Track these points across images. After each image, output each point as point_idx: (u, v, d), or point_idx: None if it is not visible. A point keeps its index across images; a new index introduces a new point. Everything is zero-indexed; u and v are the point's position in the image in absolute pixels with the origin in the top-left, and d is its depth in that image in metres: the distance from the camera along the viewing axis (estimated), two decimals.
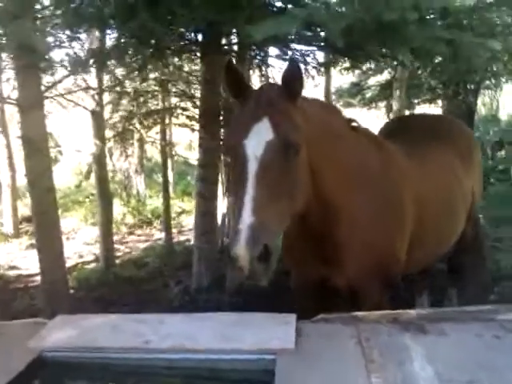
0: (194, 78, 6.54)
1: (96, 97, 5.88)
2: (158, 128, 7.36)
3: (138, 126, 6.46)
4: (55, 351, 2.33)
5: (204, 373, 2.29)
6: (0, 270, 7.12)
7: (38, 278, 4.97)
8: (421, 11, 2.35)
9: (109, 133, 6.60)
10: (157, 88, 6.47)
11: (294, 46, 5.23)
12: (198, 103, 6.35)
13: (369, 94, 13.63)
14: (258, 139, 2.04)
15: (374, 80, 13.75)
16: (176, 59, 5.88)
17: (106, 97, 6.66)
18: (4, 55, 4.85)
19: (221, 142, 4.98)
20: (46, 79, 5.16)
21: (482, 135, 13.09)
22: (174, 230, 8.55)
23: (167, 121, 6.95)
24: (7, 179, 9.30)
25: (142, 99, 6.42)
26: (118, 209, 9.55)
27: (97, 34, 5.35)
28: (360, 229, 2.58)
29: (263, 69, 6.05)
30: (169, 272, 6.47)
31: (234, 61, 5.28)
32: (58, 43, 4.53)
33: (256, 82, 6.78)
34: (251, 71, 6.05)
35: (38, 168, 4.10)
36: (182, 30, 4.48)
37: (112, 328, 2.51)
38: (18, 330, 2.59)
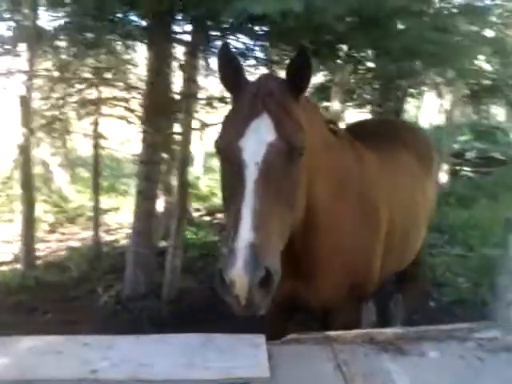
0: (134, 67, 6.10)
1: (26, 82, 5.28)
2: (87, 119, 6.83)
3: (70, 115, 5.89)
4: None
5: None
6: None
7: None
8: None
9: (37, 122, 5.98)
10: (94, 76, 5.92)
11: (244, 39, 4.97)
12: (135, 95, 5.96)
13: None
14: (258, 140, 1.74)
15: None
16: (119, 46, 5.42)
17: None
18: None
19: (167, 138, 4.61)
20: None
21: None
22: (101, 230, 7.98)
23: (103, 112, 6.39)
24: None
25: (77, 87, 5.85)
26: (39, 205, 8.81)
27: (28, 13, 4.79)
28: (340, 242, 2.38)
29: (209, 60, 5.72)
30: (97, 276, 5.97)
31: (186, 51, 4.95)
32: None
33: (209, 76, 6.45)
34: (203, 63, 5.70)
35: None
36: (128, 14, 4.08)
37: (53, 353, 2.13)
38: None
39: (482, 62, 12.25)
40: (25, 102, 5.41)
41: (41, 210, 8.90)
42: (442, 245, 6.30)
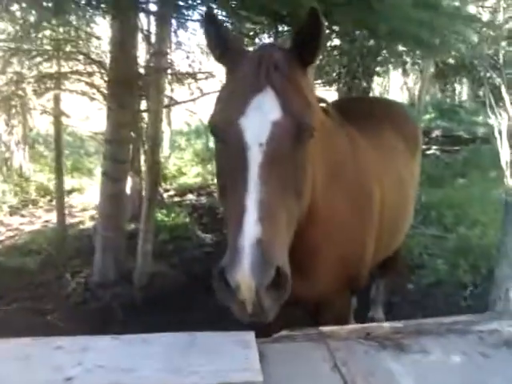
0: (98, 39, 5.72)
1: None
2: (47, 95, 6.41)
3: (28, 91, 5.47)
4: None
5: None
6: None
7: None
8: None
9: None
10: (52, 48, 5.50)
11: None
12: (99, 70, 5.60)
13: None
14: (262, 118, 1.49)
15: None
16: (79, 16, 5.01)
17: None
18: None
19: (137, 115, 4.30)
20: None
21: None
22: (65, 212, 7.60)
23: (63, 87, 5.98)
24: None
25: (35, 60, 5.43)
26: None
27: None
28: (335, 232, 2.18)
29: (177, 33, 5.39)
30: (62, 261, 5.66)
31: (151, 23, 4.61)
32: None
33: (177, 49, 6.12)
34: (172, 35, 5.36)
35: None
36: None
37: (19, 359, 1.89)
38: None
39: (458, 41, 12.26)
40: None
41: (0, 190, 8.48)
42: (417, 225, 6.24)
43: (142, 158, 6.37)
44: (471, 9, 9.57)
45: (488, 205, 6.52)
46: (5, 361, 1.87)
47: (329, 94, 15.55)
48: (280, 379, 1.88)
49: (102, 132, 5.12)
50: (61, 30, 5.59)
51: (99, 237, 4.82)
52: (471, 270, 4.85)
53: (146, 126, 5.58)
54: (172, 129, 12.68)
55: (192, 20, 4.71)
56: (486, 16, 11.14)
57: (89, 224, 7.13)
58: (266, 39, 7.46)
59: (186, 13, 4.44)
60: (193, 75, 5.39)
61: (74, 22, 5.39)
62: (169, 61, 5.39)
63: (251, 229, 1.32)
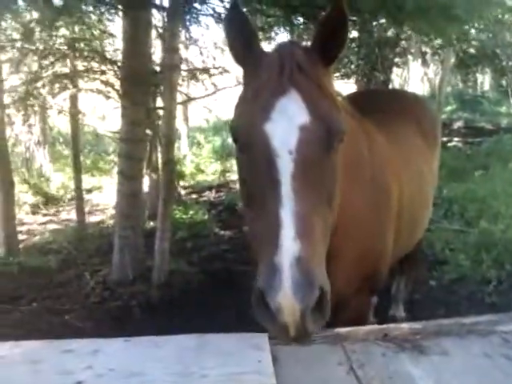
0: (112, 37, 5.71)
1: None
2: (64, 94, 6.44)
3: (42, 90, 5.50)
4: None
5: None
6: None
7: None
8: None
9: (8, 98, 5.58)
10: (66, 48, 5.51)
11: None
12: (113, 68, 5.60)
13: None
14: (289, 123, 1.38)
15: None
16: (92, 14, 5.01)
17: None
18: None
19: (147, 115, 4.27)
20: None
21: None
22: (85, 210, 7.65)
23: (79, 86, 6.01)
24: None
25: (49, 60, 5.45)
26: (17, 186, 8.45)
27: None
28: (354, 230, 2.10)
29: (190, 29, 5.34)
30: (82, 260, 5.69)
31: (164, 19, 4.57)
32: None
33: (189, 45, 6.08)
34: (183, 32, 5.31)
35: None
36: None
37: (28, 363, 1.87)
38: None
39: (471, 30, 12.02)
40: None
41: (21, 191, 8.58)
42: (439, 220, 6.10)
43: (160, 156, 6.37)
44: None
45: (511, 198, 6.34)
46: (15, 365, 1.86)
47: (348, 86, 15.41)
48: (293, 382, 1.82)
49: (118, 130, 5.11)
50: (75, 28, 5.62)
51: (117, 236, 4.82)
52: (494, 265, 4.71)
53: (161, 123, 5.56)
54: (190, 126, 12.70)
55: (204, 14, 4.67)
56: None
57: (109, 222, 7.16)
58: (281, 33, 7.39)
59: (197, 7, 4.40)
60: (207, 71, 5.33)
61: (87, 20, 5.40)
62: (182, 57, 5.35)
63: (290, 246, 1.21)
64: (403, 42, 14.34)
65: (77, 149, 6.54)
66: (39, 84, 5.47)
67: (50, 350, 1.98)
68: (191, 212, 6.88)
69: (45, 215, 8.16)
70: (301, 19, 4.99)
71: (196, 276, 4.94)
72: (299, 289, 1.15)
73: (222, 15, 4.62)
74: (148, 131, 5.07)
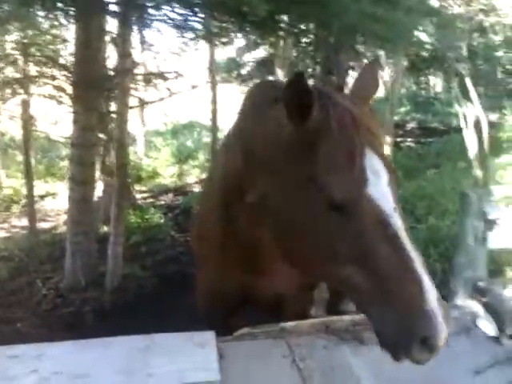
0: (63, 41, 5.62)
1: None
2: (15, 99, 6.30)
3: None
4: None
5: None
6: None
7: None
8: None
9: None
10: (18, 52, 5.41)
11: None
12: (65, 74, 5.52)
13: (246, 71, 13.43)
14: (383, 183, 1.46)
15: (251, 56, 13.58)
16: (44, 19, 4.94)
17: None
18: None
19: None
20: None
21: None
22: (37, 216, 7.49)
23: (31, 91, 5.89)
24: None
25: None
26: None
27: None
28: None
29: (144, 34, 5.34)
30: (34, 267, 5.58)
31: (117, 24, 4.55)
32: None
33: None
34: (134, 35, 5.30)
35: None
36: None
37: None
38: None
39: (421, 34, 12.41)
40: None
41: None
42: None
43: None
44: (435, 2, 9.67)
45: (458, 195, 6.58)
46: None
47: None
48: (238, 377, 1.88)
49: (69, 136, 5.05)
50: (27, 33, 5.52)
51: (69, 242, 4.76)
52: (441, 259, 4.89)
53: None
54: (147, 129, 12.61)
55: (158, 20, 4.66)
56: (457, 9, 11.29)
57: (62, 228, 7.03)
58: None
59: (151, 13, 4.39)
60: (161, 75, 5.34)
61: (40, 25, 5.32)
62: (136, 61, 5.34)
63: (434, 293, 1.34)
64: (359, 46, 14.65)
65: (28, 155, 6.41)
66: None
67: None
68: (147, 216, 6.84)
69: None
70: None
71: (150, 280, 4.93)
72: (444, 324, 1.32)
73: (176, 21, 4.62)
74: (101, 135, 5.02)
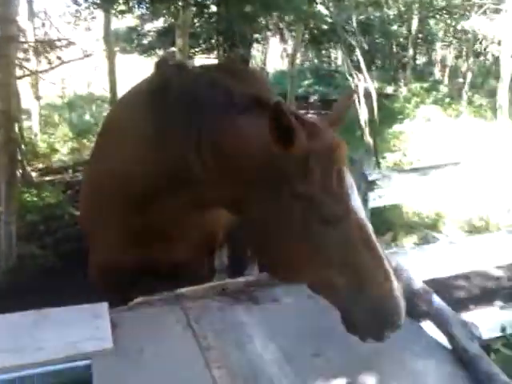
0: None
1: None
2: None
3: None
4: None
5: None
6: None
7: None
8: None
9: None
10: None
11: None
12: None
13: (147, 41, 13.01)
14: (358, 198, 1.70)
15: (152, 26, 13.17)
16: None
17: None
18: None
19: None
20: None
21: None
22: None
23: None
24: None
25: None
26: None
27: None
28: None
29: None
30: None
31: None
32: None
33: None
34: None
35: None
36: None
37: None
38: None
39: (320, 6, 12.72)
40: None
41: None
42: None
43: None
44: None
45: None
46: None
47: (210, 62, 15.50)
48: (132, 344, 1.88)
49: None
50: None
51: (3, 224, 4.44)
52: None
53: None
54: (43, 104, 11.90)
55: None
56: None
57: None
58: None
59: None
60: (50, 43, 5.02)
61: None
62: (22, 28, 4.99)
63: (398, 285, 1.61)
64: (261, 18, 14.68)
65: None
66: None
67: None
68: (44, 194, 6.52)
69: None
70: None
71: (49, 259, 4.76)
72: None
73: None
74: None
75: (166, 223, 2.10)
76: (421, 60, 26.76)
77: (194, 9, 10.34)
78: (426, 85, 18.53)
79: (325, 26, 16.90)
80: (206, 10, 13.30)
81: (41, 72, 5.08)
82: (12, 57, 4.38)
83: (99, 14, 8.75)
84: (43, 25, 5.71)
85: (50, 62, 5.39)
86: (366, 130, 7.21)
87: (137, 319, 2.05)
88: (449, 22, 18.58)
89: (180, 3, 5.83)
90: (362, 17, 18.80)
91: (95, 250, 2.47)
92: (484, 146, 8.71)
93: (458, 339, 1.88)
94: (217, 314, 2.11)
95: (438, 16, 18.89)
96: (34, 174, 7.54)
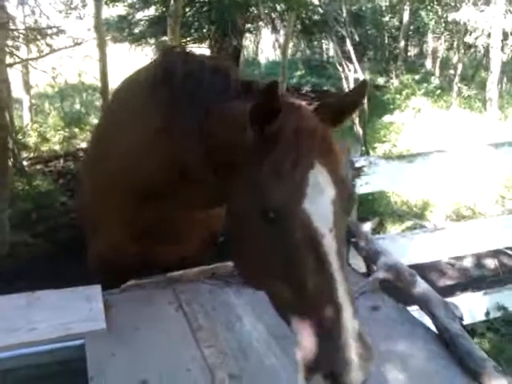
0: None
1: None
2: None
3: None
4: None
5: None
6: None
7: None
8: None
9: None
10: None
11: None
12: None
13: (138, 29, 12.92)
14: (324, 200, 1.33)
15: (143, 15, 13.08)
16: None
17: None
18: None
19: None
20: None
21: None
22: None
23: None
24: None
25: None
26: None
27: None
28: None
29: None
30: None
31: None
32: None
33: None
34: None
35: None
36: None
37: None
38: None
39: None
40: None
41: None
42: None
43: None
44: None
45: None
46: None
47: (202, 51, 15.42)
48: (124, 325, 1.93)
49: None
50: None
51: None
52: None
53: None
54: (34, 93, 11.82)
55: None
56: None
57: None
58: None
59: None
60: (39, 31, 5.00)
61: None
62: (11, 15, 4.97)
63: (353, 325, 1.22)
64: (253, 8, 14.62)
65: None
66: None
67: None
68: (36, 183, 6.52)
69: None
70: None
71: (41, 247, 4.78)
72: (363, 362, 1.20)
73: None
74: None
75: (171, 220, 2.11)
76: (412, 51, 26.79)
77: None
78: (417, 76, 18.57)
79: (316, 17, 16.86)
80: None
81: (31, 59, 5.07)
82: (1, 44, 4.36)
83: (90, 2, 8.68)
84: (33, 12, 5.66)
85: (40, 51, 5.37)
86: (356, 120, 7.26)
87: (129, 301, 2.10)
88: (440, 13, 18.60)
89: None
90: (353, 8, 18.82)
91: (97, 245, 2.43)
92: (473, 137, 8.81)
93: (440, 319, 1.95)
94: (207, 296, 2.16)
95: (429, 7, 18.90)
96: (25, 163, 7.53)
